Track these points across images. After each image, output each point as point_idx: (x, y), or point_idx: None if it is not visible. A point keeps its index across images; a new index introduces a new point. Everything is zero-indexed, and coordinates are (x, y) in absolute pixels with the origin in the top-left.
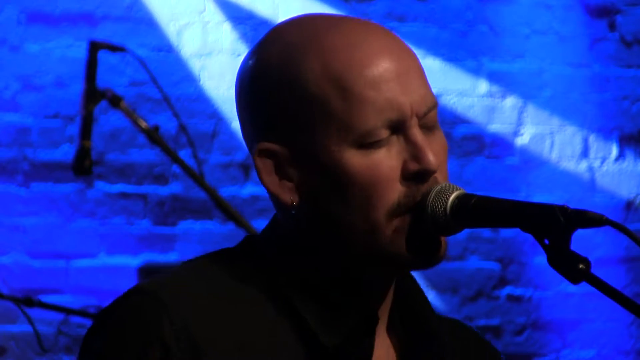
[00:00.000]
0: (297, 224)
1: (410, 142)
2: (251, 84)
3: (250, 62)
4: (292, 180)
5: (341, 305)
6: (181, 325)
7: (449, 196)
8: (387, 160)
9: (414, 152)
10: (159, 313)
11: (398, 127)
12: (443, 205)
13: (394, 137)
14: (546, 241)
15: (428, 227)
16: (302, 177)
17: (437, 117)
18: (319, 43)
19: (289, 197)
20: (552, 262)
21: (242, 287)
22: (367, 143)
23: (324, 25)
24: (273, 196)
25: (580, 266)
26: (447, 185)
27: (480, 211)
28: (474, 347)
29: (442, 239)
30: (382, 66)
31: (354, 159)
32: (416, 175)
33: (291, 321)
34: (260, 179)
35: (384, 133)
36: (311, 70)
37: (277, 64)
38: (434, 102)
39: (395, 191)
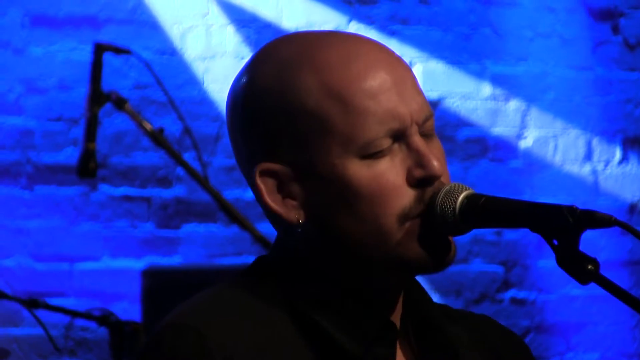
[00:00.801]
0: (304, 241)
1: (412, 150)
2: (245, 105)
3: (243, 82)
4: (296, 198)
5: (360, 316)
6: (228, 356)
7: (458, 196)
8: (391, 169)
9: (418, 159)
10: (208, 348)
11: (399, 136)
12: (452, 205)
13: (396, 146)
14: (555, 242)
15: (437, 227)
16: (307, 194)
17: (434, 126)
18: (314, 59)
19: (294, 215)
20: (561, 262)
21: (266, 311)
22: (370, 154)
23: (316, 40)
24: (276, 216)
25: (589, 267)
26: (456, 185)
27: (489, 211)
28: (499, 340)
29: (451, 241)
30: (379, 77)
31: (359, 170)
32: (421, 181)
33: (316, 338)
34: (262, 200)
35: (386, 142)
36: (308, 86)
37: (272, 83)
38: (430, 112)
39: (403, 197)
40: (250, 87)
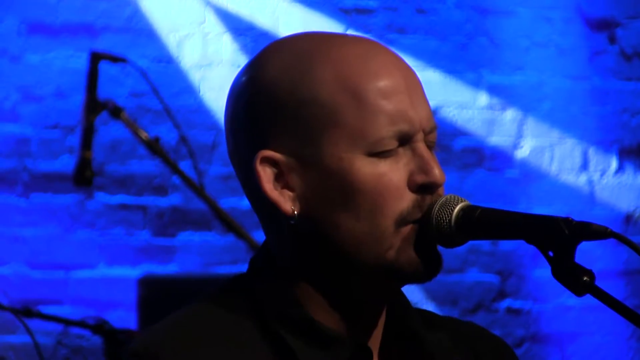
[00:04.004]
0: (294, 237)
1: (417, 155)
2: (254, 92)
3: (252, 71)
4: (294, 189)
5: (334, 340)
6: None
7: (454, 208)
8: (394, 171)
9: (421, 165)
10: None
11: (406, 140)
12: (448, 216)
13: (401, 149)
14: (550, 253)
15: (433, 238)
16: (306, 186)
17: (436, 139)
18: (330, 53)
19: (290, 206)
20: (556, 274)
21: (237, 332)
22: (376, 152)
23: (331, 37)
24: (271, 207)
25: (585, 278)
26: (452, 197)
27: (485, 223)
28: (483, 345)
29: (440, 253)
30: (394, 78)
31: (364, 167)
32: (422, 187)
33: (286, 359)
34: (261, 187)
35: (393, 144)
36: (323, 78)
37: (285, 73)
38: (435, 124)
39: (403, 201)
40: (261, 75)
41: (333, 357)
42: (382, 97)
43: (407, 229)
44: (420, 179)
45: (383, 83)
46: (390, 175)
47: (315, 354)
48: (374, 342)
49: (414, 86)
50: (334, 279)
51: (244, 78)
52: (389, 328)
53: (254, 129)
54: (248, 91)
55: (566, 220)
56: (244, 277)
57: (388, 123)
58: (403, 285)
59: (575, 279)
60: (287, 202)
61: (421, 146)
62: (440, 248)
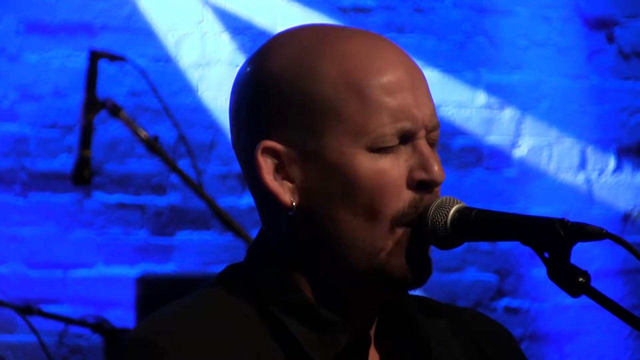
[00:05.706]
0: (291, 229)
1: (418, 152)
2: (258, 83)
3: (257, 61)
4: (294, 181)
5: (333, 325)
6: None
7: (450, 210)
8: (395, 167)
9: (422, 162)
10: None
11: (408, 137)
12: (443, 218)
13: (402, 147)
14: (546, 254)
15: (428, 240)
16: (306, 179)
17: (438, 137)
18: (336, 47)
19: (289, 197)
20: (551, 275)
21: (236, 319)
22: (377, 148)
23: (338, 31)
24: (270, 197)
25: (580, 279)
26: (448, 198)
27: (481, 225)
28: (482, 331)
29: (431, 261)
30: (398, 75)
31: (365, 163)
32: (422, 184)
33: (287, 344)
34: (260, 177)
35: (395, 140)
36: (327, 73)
37: (290, 66)
38: (438, 123)
39: (400, 199)
40: (266, 67)
41: (333, 342)
42: (385, 94)
43: (401, 232)
44: (419, 175)
45: (387, 79)
46: (390, 172)
47: (315, 338)
48: (371, 328)
49: (419, 83)
50: (331, 271)
51: (248, 69)
52: (386, 314)
53: (256, 119)
54: (252, 82)
55: (561, 222)
56: (242, 266)
57: (390, 120)
58: (392, 292)
59: (571, 280)
60: (286, 193)
61: (422, 143)
62: (437, 248)
